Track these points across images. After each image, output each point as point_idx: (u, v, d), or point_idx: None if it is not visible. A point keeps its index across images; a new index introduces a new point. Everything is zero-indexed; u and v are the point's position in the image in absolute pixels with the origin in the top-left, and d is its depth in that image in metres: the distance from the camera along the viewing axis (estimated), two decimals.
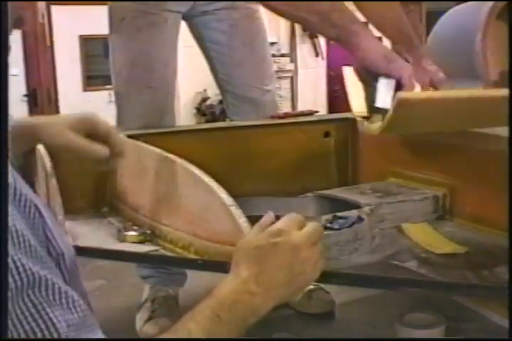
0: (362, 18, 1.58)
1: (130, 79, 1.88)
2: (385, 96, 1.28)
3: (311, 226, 0.94)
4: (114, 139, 1.18)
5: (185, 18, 1.96)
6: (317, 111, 1.91)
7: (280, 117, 1.85)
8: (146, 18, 1.85)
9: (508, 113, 1.22)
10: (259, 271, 0.87)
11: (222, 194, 1.13)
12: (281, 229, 0.91)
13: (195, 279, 2.01)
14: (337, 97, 5.39)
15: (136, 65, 1.87)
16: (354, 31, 1.32)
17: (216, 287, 0.87)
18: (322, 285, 1.89)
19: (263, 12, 2.01)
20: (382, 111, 1.28)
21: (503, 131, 1.24)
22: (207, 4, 1.93)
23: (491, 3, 1.73)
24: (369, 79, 1.34)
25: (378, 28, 1.59)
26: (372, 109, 1.32)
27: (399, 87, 1.28)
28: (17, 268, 0.65)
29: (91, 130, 1.16)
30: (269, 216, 0.98)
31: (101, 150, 1.16)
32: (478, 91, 1.36)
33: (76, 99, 5.10)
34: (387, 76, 1.29)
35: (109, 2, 1.92)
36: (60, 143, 1.14)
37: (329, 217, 1.29)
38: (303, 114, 1.89)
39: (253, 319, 0.85)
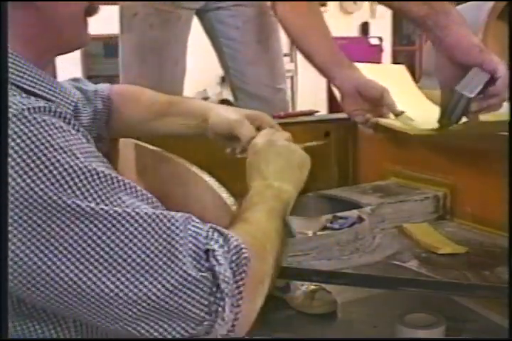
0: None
1: (139, 77, 1.88)
2: (471, 84, 1.19)
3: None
4: None
5: (198, 13, 1.96)
6: (317, 111, 1.91)
7: (280, 117, 1.85)
8: (160, 16, 1.85)
9: (509, 113, 1.22)
10: (263, 170, 1.02)
11: (223, 193, 1.12)
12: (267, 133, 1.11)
13: None
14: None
15: (147, 62, 1.86)
16: (447, 12, 1.27)
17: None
18: (324, 286, 1.89)
19: None
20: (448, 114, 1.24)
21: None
22: (220, 1, 1.93)
23: (492, 3, 1.73)
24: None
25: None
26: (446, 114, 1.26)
27: (489, 82, 1.21)
28: None
29: (258, 126, 1.22)
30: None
31: None
32: None
33: None
34: (479, 66, 1.21)
35: None
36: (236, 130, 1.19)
37: (329, 216, 1.29)
38: (303, 113, 1.89)
39: (284, 195, 0.99)
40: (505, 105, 1.29)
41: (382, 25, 6.96)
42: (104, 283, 0.71)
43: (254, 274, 0.78)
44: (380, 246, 1.27)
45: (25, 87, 0.84)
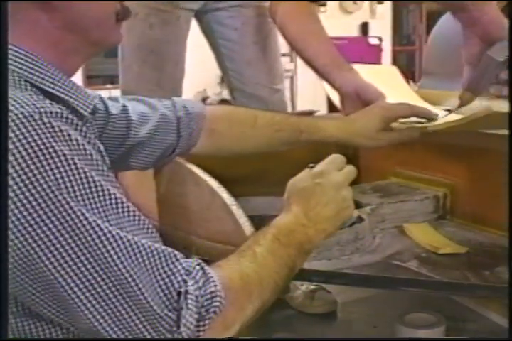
0: None
1: (139, 77, 1.88)
2: (501, 50, 1.25)
3: (348, 168, 1.04)
4: None
5: (196, 14, 1.96)
6: (317, 111, 1.91)
7: None
8: (159, 16, 1.85)
9: (509, 113, 1.22)
10: (308, 208, 0.96)
11: (223, 193, 1.13)
12: (323, 171, 1.00)
13: None
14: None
15: (147, 63, 1.86)
16: None
17: (273, 220, 0.96)
18: (324, 286, 1.89)
19: None
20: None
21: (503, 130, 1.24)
22: (219, 2, 1.93)
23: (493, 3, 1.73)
24: None
25: None
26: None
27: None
28: None
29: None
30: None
31: None
32: None
33: None
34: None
35: None
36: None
37: None
38: (303, 113, 1.89)
39: (309, 246, 0.95)
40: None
41: (381, 25, 6.96)
42: (77, 285, 0.73)
43: (224, 321, 0.80)
44: (380, 246, 1.28)
45: (44, 87, 0.84)
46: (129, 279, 0.74)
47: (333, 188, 0.99)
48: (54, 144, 0.73)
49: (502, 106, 1.31)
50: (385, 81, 1.66)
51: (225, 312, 0.80)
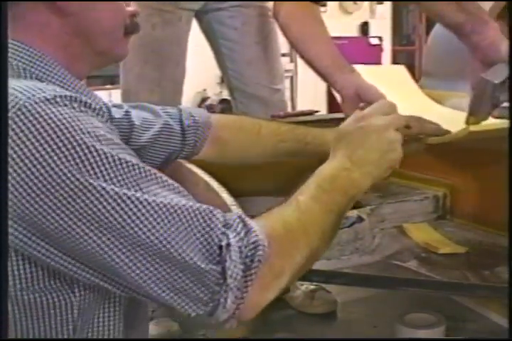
0: None
1: (140, 77, 1.88)
2: (497, 72, 1.23)
3: (395, 115, 1.00)
4: None
5: (197, 14, 1.96)
6: (317, 111, 1.91)
7: (280, 117, 1.85)
8: (161, 16, 1.85)
9: (509, 114, 1.22)
10: (351, 151, 0.94)
11: (223, 193, 1.13)
12: (365, 114, 0.99)
13: None
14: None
15: (148, 63, 1.86)
16: (483, 19, 1.34)
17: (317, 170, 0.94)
18: (324, 286, 1.89)
19: None
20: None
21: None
22: (220, 2, 1.93)
23: (491, 3, 1.73)
24: None
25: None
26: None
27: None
28: None
29: None
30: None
31: None
32: None
33: None
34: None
35: None
36: None
37: None
38: (303, 113, 1.89)
39: (354, 190, 0.92)
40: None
41: (381, 25, 6.96)
42: (122, 260, 0.75)
43: (272, 269, 0.80)
44: (379, 246, 1.28)
45: (56, 83, 0.87)
46: (165, 242, 0.75)
47: (376, 131, 0.96)
48: (78, 123, 0.75)
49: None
50: (393, 82, 1.67)
51: (272, 261, 0.79)
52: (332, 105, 5.56)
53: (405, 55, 7.42)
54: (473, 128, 1.22)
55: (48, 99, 0.75)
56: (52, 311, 0.82)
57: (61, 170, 0.72)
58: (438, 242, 1.28)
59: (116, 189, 0.75)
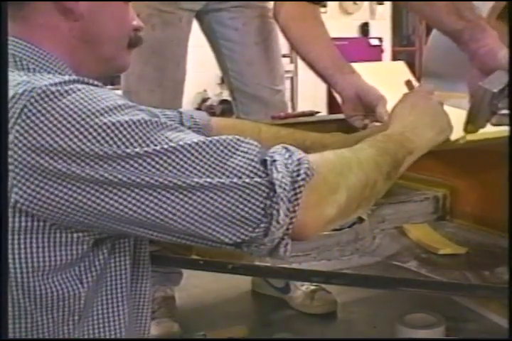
0: None
1: (141, 78, 1.88)
2: (495, 81, 1.22)
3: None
4: None
5: (197, 15, 1.96)
6: (318, 112, 1.91)
7: (281, 118, 1.85)
8: (161, 17, 1.85)
9: (509, 114, 1.22)
10: (404, 118, 1.02)
11: None
12: (414, 89, 1.12)
13: (194, 279, 2.02)
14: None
15: (149, 64, 1.86)
16: (481, 26, 1.34)
17: None
18: (324, 286, 1.90)
19: None
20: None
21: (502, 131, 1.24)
22: (221, 2, 1.93)
23: (492, 3, 1.73)
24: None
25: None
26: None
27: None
28: None
29: None
30: None
31: None
32: None
33: None
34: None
35: None
36: None
37: None
38: (304, 114, 1.89)
39: (409, 145, 0.96)
40: None
41: (382, 25, 6.95)
42: (169, 198, 0.76)
43: (326, 183, 0.81)
44: (380, 247, 1.28)
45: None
46: (207, 173, 0.77)
47: (422, 97, 1.06)
48: (90, 102, 0.77)
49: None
50: (393, 79, 1.67)
51: (325, 175, 0.81)
52: (332, 106, 5.56)
53: (405, 56, 7.41)
54: (470, 137, 1.22)
55: (60, 83, 0.77)
56: (61, 303, 0.83)
57: (92, 150, 0.74)
58: (438, 243, 1.28)
59: (146, 148, 0.76)
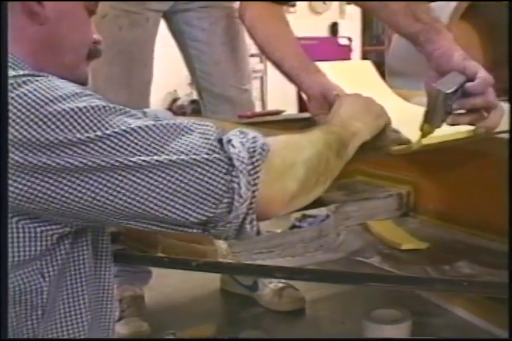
0: None
1: (109, 78, 1.87)
2: (449, 82, 1.23)
3: None
4: None
5: (165, 15, 1.97)
6: (284, 111, 1.93)
7: (248, 117, 1.86)
8: (128, 17, 1.85)
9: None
10: (338, 111, 1.07)
11: None
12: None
13: (164, 278, 2.02)
14: None
15: (116, 64, 1.86)
16: (437, 28, 1.36)
17: None
18: (292, 283, 1.91)
19: None
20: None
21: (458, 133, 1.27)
22: (188, 3, 1.94)
23: (455, 3, 1.76)
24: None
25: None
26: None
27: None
28: None
29: None
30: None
31: None
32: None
33: None
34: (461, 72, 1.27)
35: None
36: None
37: (298, 215, 1.32)
38: (270, 113, 1.91)
39: (351, 130, 1.01)
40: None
41: (351, 25, 6.98)
42: (130, 179, 0.77)
43: (283, 160, 0.84)
44: (344, 243, 1.30)
45: None
46: (163, 150, 0.78)
47: (353, 94, 1.14)
48: (48, 90, 0.78)
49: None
50: (359, 77, 1.69)
51: (281, 152, 0.84)
52: (302, 105, 5.57)
53: (375, 56, 7.45)
54: (426, 141, 1.24)
55: (18, 75, 0.79)
56: (23, 298, 0.84)
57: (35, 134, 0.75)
58: (400, 238, 1.30)
59: (100, 132, 0.77)
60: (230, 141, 0.81)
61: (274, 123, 1.82)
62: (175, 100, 5.40)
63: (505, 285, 0.98)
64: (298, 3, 1.86)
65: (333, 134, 0.96)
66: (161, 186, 0.77)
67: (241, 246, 1.13)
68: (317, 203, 1.39)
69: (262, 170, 0.80)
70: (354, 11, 6.91)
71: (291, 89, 6.16)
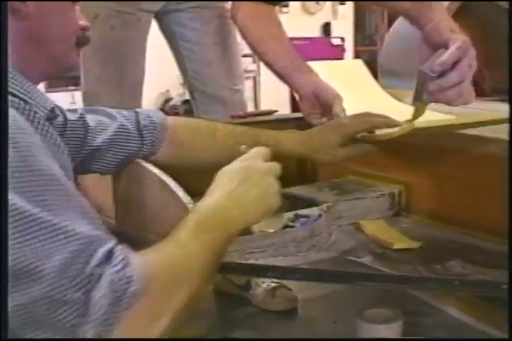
0: None
1: (101, 78, 1.88)
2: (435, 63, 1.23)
3: (274, 163, 1.01)
4: None
5: (156, 15, 1.97)
6: (276, 111, 1.93)
7: (240, 117, 1.87)
8: (120, 18, 1.86)
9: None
10: (232, 189, 0.94)
11: (180, 192, 1.14)
12: (249, 156, 1.00)
13: None
14: None
15: (108, 64, 1.87)
16: (429, 5, 1.39)
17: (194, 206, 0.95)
18: (284, 283, 1.91)
19: None
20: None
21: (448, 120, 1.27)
22: (180, 3, 1.94)
23: (446, 3, 1.77)
24: None
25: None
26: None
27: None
28: None
29: None
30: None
31: None
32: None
33: None
34: (446, 44, 1.28)
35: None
36: None
37: (291, 215, 1.32)
38: (262, 113, 1.91)
39: (233, 230, 0.92)
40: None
41: (344, 25, 7.01)
42: None
43: (152, 307, 0.80)
44: (336, 243, 1.30)
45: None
46: (39, 262, 0.73)
47: (258, 172, 0.96)
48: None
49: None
50: (351, 77, 1.69)
51: (151, 299, 0.79)
52: (295, 105, 5.58)
53: (367, 55, 7.47)
54: (418, 124, 1.25)
55: None
56: None
57: None
58: (393, 238, 1.30)
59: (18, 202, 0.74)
60: (100, 277, 0.76)
61: (266, 123, 1.82)
62: (167, 100, 5.41)
63: (497, 284, 0.99)
64: (291, 3, 1.87)
65: (212, 253, 0.89)
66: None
67: (233, 246, 1.13)
68: (309, 203, 1.40)
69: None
70: (347, 11, 6.94)
71: (284, 90, 6.17)
